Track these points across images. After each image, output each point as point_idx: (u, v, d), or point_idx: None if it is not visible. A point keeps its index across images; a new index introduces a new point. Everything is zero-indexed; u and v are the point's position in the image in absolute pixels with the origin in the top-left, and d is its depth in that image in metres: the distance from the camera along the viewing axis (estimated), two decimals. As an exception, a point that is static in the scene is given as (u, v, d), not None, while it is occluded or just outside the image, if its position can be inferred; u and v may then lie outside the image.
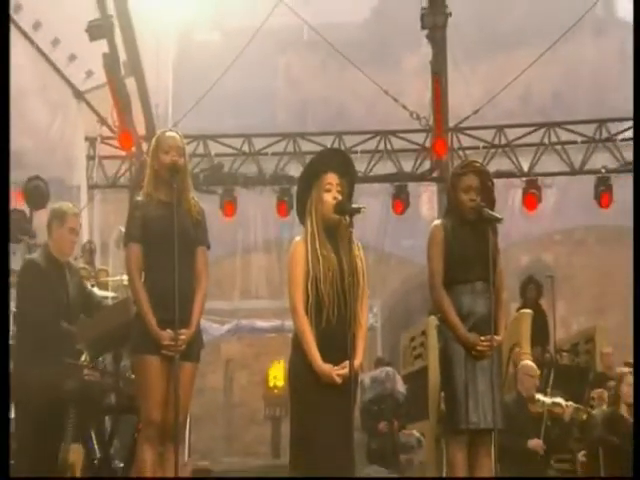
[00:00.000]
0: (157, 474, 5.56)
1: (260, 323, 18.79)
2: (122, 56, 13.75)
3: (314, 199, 5.79)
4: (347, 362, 5.42)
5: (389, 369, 12.28)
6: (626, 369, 9.56)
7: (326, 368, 5.37)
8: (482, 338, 6.09)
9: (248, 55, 17.52)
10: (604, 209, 14.22)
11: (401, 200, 14.36)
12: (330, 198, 5.71)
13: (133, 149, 14.31)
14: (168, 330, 5.52)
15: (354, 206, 5.73)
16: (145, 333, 5.54)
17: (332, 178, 5.80)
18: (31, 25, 13.55)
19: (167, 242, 5.55)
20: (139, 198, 6.00)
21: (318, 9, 21.67)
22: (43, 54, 13.95)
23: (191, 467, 10.43)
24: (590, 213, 14.93)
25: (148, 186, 5.88)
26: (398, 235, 16.53)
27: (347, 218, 5.68)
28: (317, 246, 5.64)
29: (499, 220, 6.39)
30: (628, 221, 19.70)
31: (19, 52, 13.88)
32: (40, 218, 11.80)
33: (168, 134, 5.95)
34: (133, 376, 6.09)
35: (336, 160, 6.19)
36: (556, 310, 19.68)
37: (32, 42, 13.70)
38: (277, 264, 17.00)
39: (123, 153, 14.50)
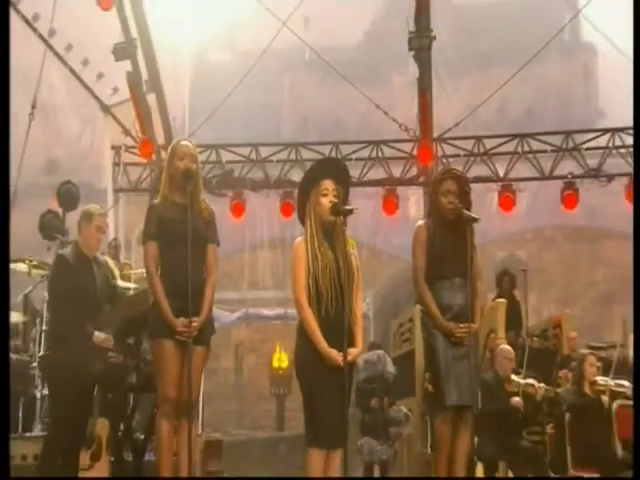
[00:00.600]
0: (172, 445, 5.60)
1: (266, 311, 18.89)
2: (144, 74, 13.78)
3: (312, 203, 5.86)
4: (351, 349, 5.60)
5: (380, 352, 12.25)
6: (587, 351, 9.58)
7: (332, 352, 5.48)
8: (461, 325, 6.12)
9: (256, 73, 17.49)
10: (570, 211, 14.15)
11: (391, 202, 14.36)
12: (326, 202, 5.79)
13: (153, 157, 14.34)
14: (181, 318, 5.55)
15: (347, 208, 5.82)
16: (161, 320, 5.59)
17: (328, 184, 5.87)
18: (63, 48, 13.58)
19: (181, 240, 5.60)
20: (156, 201, 6.05)
21: (318, 33, 21.67)
22: (74, 73, 13.99)
23: (204, 439, 10.37)
24: (557, 214, 14.90)
25: (164, 189, 5.92)
26: (389, 234, 16.53)
27: (342, 218, 5.84)
28: (316, 245, 5.72)
29: (476, 220, 6.40)
30: (591, 221, 19.93)
31: (53, 72, 13.91)
32: (72, 218, 11.83)
33: (183, 143, 5.99)
34: (152, 358, 6.09)
35: (332, 168, 6.26)
36: (528, 299, 19.72)
37: (65, 63, 13.71)
38: (281, 259, 17.01)
39: (144, 160, 14.52)
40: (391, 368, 11.96)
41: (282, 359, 17.82)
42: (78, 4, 12.95)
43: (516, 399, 9.36)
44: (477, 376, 6.62)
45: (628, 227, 20.18)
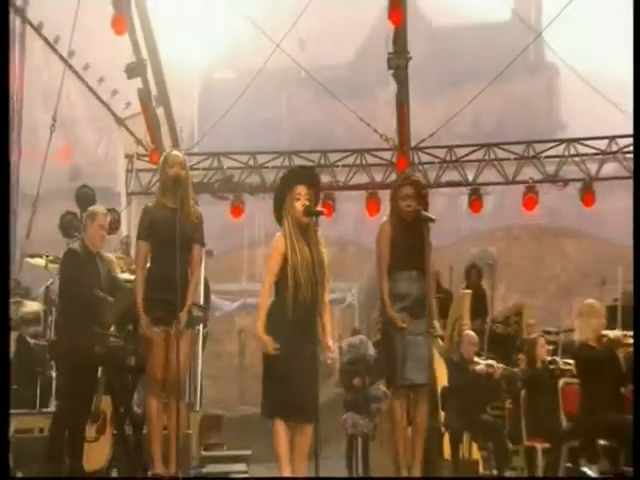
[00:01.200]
0: (162, 420, 5.65)
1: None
2: (153, 90, 13.78)
3: (287, 206, 5.93)
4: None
5: (362, 337, 12.30)
6: (539, 334, 9.64)
7: (266, 339, 5.61)
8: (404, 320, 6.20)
9: (255, 90, 17.49)
10: (530, 212, 14.18)
11: (374, 204, 14.37)
12: (299, 205, 5.84)
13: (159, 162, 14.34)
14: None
15: (318, 210, 5.90)
16: (150, 309, 5.63)
17: (301, 189, 5.94)
18: (81, 67, 13.59)
19: (170, 239, 5.65)
20: (149, 204, 6.08)
21: (313, 53, 21.71)
22: (91, 90, 13.98)
23: (204, 414, 10.41)
24: (520, 215, 14.88)
25: (158, 194, 6.01)
26: (372, 232, 16.44)
27: (314, 219, 5.84)
28: (294, 241, 5.77)
29: (432, 220, 6.48)
30: (553, 221, 19.97)
31: (72, 89, 13.92)
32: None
33: (173, 152, 6.08)
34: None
35: (305, 175, 6.34)
36: (497, 290, 19.74)
37: (83, 81, 13.72)
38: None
39: (154, 167, 14.47)
40: (372, 351, 12.00)
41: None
42: (95, 28, 12.93)
43: (480, 367, 9.49)
44: (431, 357, 6.51)
45: (585, 226, 20.30)
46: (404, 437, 6.28)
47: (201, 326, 9.97)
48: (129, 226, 13.66)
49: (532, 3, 24.68)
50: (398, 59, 13.20)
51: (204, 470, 8.80)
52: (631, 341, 7.86)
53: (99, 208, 7.25)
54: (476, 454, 9.87)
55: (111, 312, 6.35)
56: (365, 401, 11.57)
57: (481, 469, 9.81)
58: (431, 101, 19.11)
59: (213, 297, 14.57)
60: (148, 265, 5.92)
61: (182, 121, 15.46)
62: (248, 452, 10.31)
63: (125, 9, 12.74)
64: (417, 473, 6.24)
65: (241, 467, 9.84)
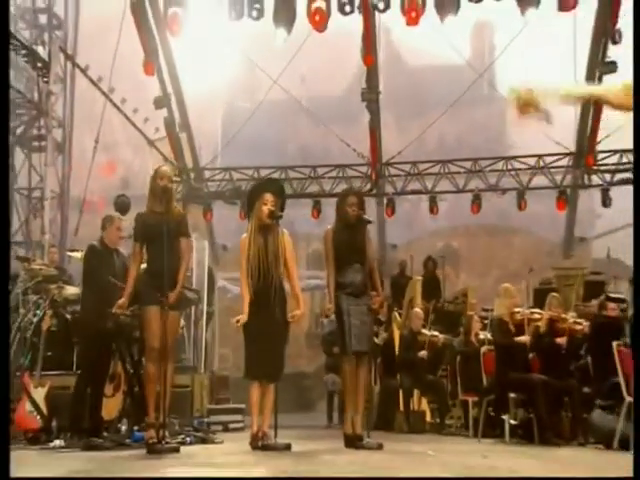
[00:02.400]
0: (158, 381, 5.64)
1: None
2: (177, 118, 13.84)
3: (256, 208, 6.03)
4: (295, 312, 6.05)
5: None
6: (474, 312, 9.67)
7: (244, 316, 5.80)
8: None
9: (263, 116, 17.58)
10: (475, 214, 14.13)
11: (352, 208, 14.39)
12: (266, 209, 5.93)
13: (184, 177, 14.38)
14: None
15: (279, 214, 5.97)
16: (146, 292, 5.67)
17: (269, 197, 6.05)
18: (120, 100, 13.68)
19: (160, 237, 5.65)
20: (142, 212, 6.09)
21: (311, 85, 21.73)
22: (128, 118, 14.07)
23: (208, 375, 10.33)
24: (475, 216, 14.78)
25: (148, 201, 5.97)
26: None
27: (276, 221, 6.01)
28: (253, 238, 5.98)
29: (370, 222, 6.48)
30: (502, 222, 19.94)
31: (114, 119, 14.06)
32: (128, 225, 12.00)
33: (163, 167, 6.05)
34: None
35: (272, 185, 6.49)
36: (459, 276, 19.78)
37: (121, 111, 13.82)
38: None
39: (177, 179, 14.52)
40: (346, 325, 12.07)
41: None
42: (130, 69, 13.02)
43: (422, 352, 9.52)
44: (371, 331, 6.53)
45: (526, 225, 20.23)
46: (351, 392, 6.25)
47: (205, 305, 10.00)
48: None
49: (485, 47, 24.75)
50: (370, 94, 13.24)
51: (205, 420, 8.73)
52: (537, 317, 7.92)
53: (116, 215, 7.29)
54: (424, 406, 9.90)
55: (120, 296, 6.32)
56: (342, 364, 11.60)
57: (428, 418, 9.86)
58: (404, 125, 19.09)
59: (225, 282, 14.59)
60: (146, 259, 5.92)
61: (208, 140, 15.52)
62: (243, 406, 10.33)
63: (154, 56, 12.84)
64: (359, 419, 6.20)
65: (237, 417, 9.82)
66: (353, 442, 6.01)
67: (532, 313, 7.94)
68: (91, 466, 4.36)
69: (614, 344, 6.98)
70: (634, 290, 6.78)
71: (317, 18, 12.30)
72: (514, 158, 14.36)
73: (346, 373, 6.25)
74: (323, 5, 12.28)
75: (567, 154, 13.99)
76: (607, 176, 13.81)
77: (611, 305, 8.27)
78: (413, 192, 14.36)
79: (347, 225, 6.33)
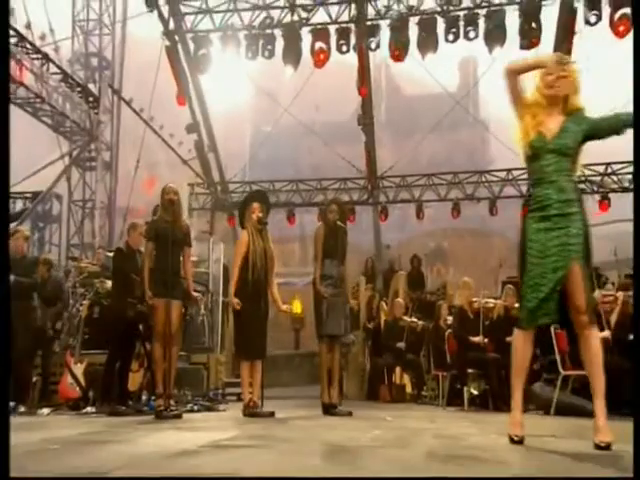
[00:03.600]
0: (162, 358, 5.68)
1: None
2: (206, 141, 13.97)
3: (247, 216, 6.10)
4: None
5: (338, 303, 12.37)
6: (442, 302, 9.63)
7: (233, 300, 5.85)
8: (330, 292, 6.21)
9: (280, 137, 17.68)
10: (456, 219, 14.09)
11: (352, 215, 14.38)
12: (255, 216, 6.00)
13: (212, 189, 14.48)
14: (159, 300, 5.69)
15: (265, 221, 6.04)
16: (154, 287, 5.73)
17: (257, 205, 6.12)
18: (158, 127, 13.84)
19: (167, 242, 5.73)
20: (155, 218, 6.17)
21: (324, 112, 21.74)
22: (165, 142, 14.20)
23: (225, 354, 10.32)
24: (457, 221, 14.67)
25: (159, 212, 6.04)
26: (351, 234, 16.40)
27: (264, 226, 6.08)
28: (253, 238, 5.98)
29: (344, 228, 6.53)
30: (483, 225, 19.75)
31: (153, 143, 14.21)
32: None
33: (170, 184, 6.06)
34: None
35: (259, 196, 6.54)
36: (447, 271, 19.63)
37: (159, 136, 13.95)
38: (284, 248, 17.02)
39: (205, 191, 14.66)
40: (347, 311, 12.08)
41: (297, 307, 17.76)
42: (166, 101, 13.19)
43: (401, 343, 9.52)
44: (346, 316, 6.55)
45: (502, 229, 20.01)
46: (327, 369, 6.30)
47: (221, 296, 10.01)
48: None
49: (470, 78, 24.59)
50: (364, 119, 13.30)
51: (220, 391, 8.80)
52: (491, 305, 7.93)
53: (139, 221, 7.35)
54: (405, 380, 9.92)
55: (140, 289, 6.40)
56: (341, 345, 11.62)
57: (408, 390, 9.89)
58: (402, 144, 18.98)
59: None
60: (155, 258, 5.97)
61: (235, 159, 15.58)
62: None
63: (185, 90, 12.99)
64: (334, 390, 6.26)
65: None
66: (328, 409, 6.09)
67: (487, 302, 7.95)
68: (99, 429, 4.45)
69: (552, 328, 7.00)
70: (634, 289, 6.69)
71: (321, 57, 12.40)
72: (488, 172, 14.35)
73: (322, 352, 6.28)
74: (324, 46, 12.38)
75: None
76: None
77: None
78: (402, 201, 14.38)
79: (329, 228, 6.37)
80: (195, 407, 6.67)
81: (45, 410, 6.74)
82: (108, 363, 6.70)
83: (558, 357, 6.87)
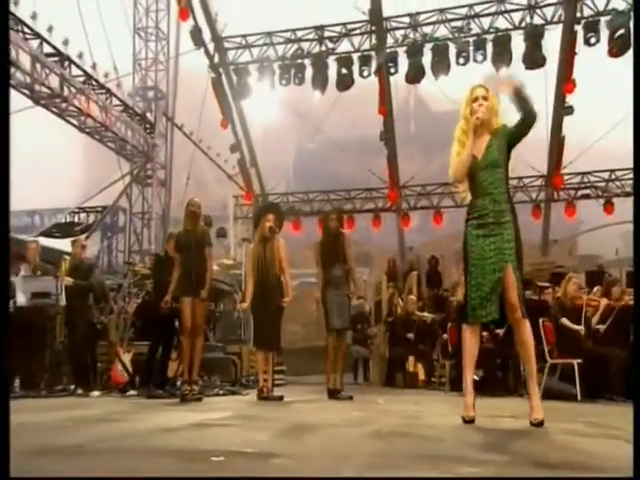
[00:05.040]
0: (189, 352, 5.78)
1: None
2: (247, 158, 14.21)
3: (260, 225, 6.18)
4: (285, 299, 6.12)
5: (362, 300, 12.35)
6: (453, 298, 9.52)
7: (243, 304, 5.93)
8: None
9: (316, 153, 17.74)
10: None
11: (377, 221, 14.42)
12: (267, 225, 6.10)
13: (253, 201, 14.68)
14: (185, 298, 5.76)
15: (276, 230, 6.14)
16: (180, 287, 5.83)
17: (270, 216, 6.20)
18: (206, 147, 14.16)
19: (189, 247, 5.88)
20: (178, 231, 6.27)
21: (361, 127, 21.65)
22: (213, 160, 14.42)
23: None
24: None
25: (183, 222, 6.13)
26: (378, 237, 16.33)
27: (273, 234, 6.13)
28: (258, 249, 6.10)
29: (344, 233, 6.54)
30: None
31: (206, 164, 14.53)
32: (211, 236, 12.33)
33: (194, 198, 6.14)
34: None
35: (272, 208, 6.64)
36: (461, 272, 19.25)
37: (207, 155, 14.27)
38: (295, 252, 16.85)
39: (249, 202, 14.84)
40: (367, 308, 12.13)
41: None
42: (213, 125, 13.47)
43: (410, 334, 9.49)
44: (348, 312, 6.55)
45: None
46: (333, 358, 6.33)
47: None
48: (235, 236, 13.96)
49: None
50: (386, 135, 13.35)
51: (252, 378, 8.86)
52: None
53: (175, 232, 7.48)
54: (417, 368, 9.87)
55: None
56: (364, 338, 11.61)
57: (421, 377, 9.84)
58: (428, 157, 18.80)
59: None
60: (180, 262, 5.97)
61: (276, 173, 15.78)
62: (284, 367, 10.45)
63: (229, 114, 13.30)
64: (338, 377, 6.32)
65: (279, 376, 9.92)
66: (333, 394, 6.15)
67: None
68: (123, 409, 4.65)
69: (540, 320, 6.92)
70: (634, 290, 6.58)
71: (345, 82, 12.51)
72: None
73: (329, 344, 6.30)
74: (348, 72, 12.50)
75: (540, 176, 13.73)
76: (572, 192, 13.53)
77: (547, 290, 8.15)
78: (422, 208, 14.31)
79: (330, 235, 6.41)
80: (220, 392, 6.81)
81: (96, 392, 6.98)
82: (149, 353, 6.95)
83: (546, 347, 6.79)
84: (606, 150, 13.60)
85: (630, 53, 10.88)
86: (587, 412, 4.65)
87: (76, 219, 13.89)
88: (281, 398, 5.83)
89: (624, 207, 13.13)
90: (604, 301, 7.00)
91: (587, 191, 13.47)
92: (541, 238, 14.47)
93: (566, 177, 13.55)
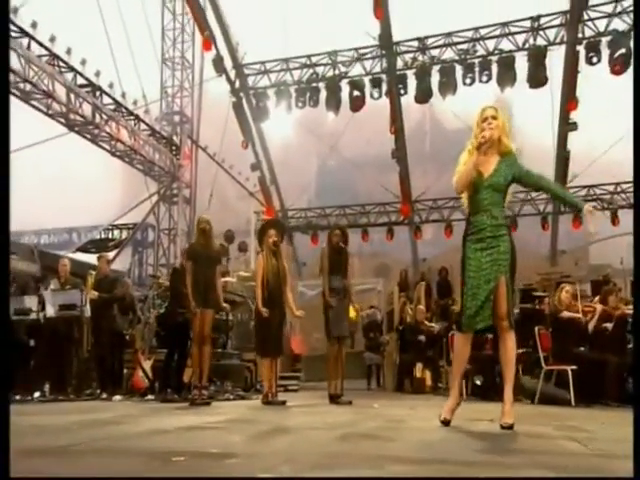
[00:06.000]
0: (199, 359, 5.87)
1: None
2: (267, 176, 14.34)
3: (265, 241, 6.26)
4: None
5: (375, 309, 12.43)
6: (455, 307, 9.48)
7: (263, 309, 5.90)
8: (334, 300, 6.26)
9: (337, 171, 17.78)
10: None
11: (390, 233, 14.41)
12: (271, 240, 6.17)
13: (273, 216, 14.76)
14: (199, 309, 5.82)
15: (279, 244, 6.21)
16: (195, 299, 5.86)
17: (272, 232, 6.25)
18: (229, 166, 14.38)
19: (202, 261, 5.92)
20: (192, 242, 6.41)
21: (375, 146, 21.65)
22: (234, 179, 14.66)
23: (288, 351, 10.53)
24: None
25: (195, 237, 6.26)
26: (395, 249, 16.21)
27: (278, 248, 6.19)
28: (267, 259, 6.11)
29: (346, 249, 6.57)
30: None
31: (228, 182, 14.73)
32: (233, 248, 12.51)
33: (203, 216, 6.25)
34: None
35: (275, 224, 6.69)
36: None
37: (229, 174, 14.49)
38: (314, 264, 16.82)
39: (269, 217, 14.88)
40: (379, 317, 12.13)
41: (352, 312, 17.50)
42: (234, 145, 13.70)
43: (421, 336, 9.47)
44: (348, 321, 6.57)
45: (524, 243, 19.15)
46: (334, 365, 6.37)
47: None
48: (255, 249, 14.02)
49: (504, 110, 23.77)
50: (398, 153, 13.37)
51: None
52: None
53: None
54: (425, 374, 9.81)
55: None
56: (376, 345, 11.64)
57: (428, 382, 9.78)
58: (439, 173, 18.74)
59: (304, 288, 14.82)
60: (192, 274, 5.99)
61: (295, 189, 15.94)
62: (300, 374, 10.49)
63: (249, 136, 13.50)
64: (339, 383, 6.33)
65: (294, 382, 10.07)
66: (333, 399, 6.19)
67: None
68: (133, 412, 4.76)
69: (536, 329, 6.87)
70: (634, 290, 6.51)
71: (357, 103, 12.62)
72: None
73: (330, 351, 6.34)
74: (360, 94, 12.61)
75: (547, 189, 13.59)
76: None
77: (546, 300, 8.06)
78: (434, 221, 14.27)
79: (333, 248, 6.44)
80: (231, 396, 6.90)
81: (118, 397, 7.13)
82: (165, 359, 7.07)
83: (541, 354, 6.73)
84: (612, 163, 13.42)
85: (631, 70, 10.81)
86: (568, 416, 4.61)
87: (110, 235, 14.22)
88: (284, 403, 5.88)
89: (628, 219, 12.94)
90: (599, 307, 6.89)
91: (593, 203, 13.28)
92: (549, 249, 14.30)
93: (573, 190, 13.36)
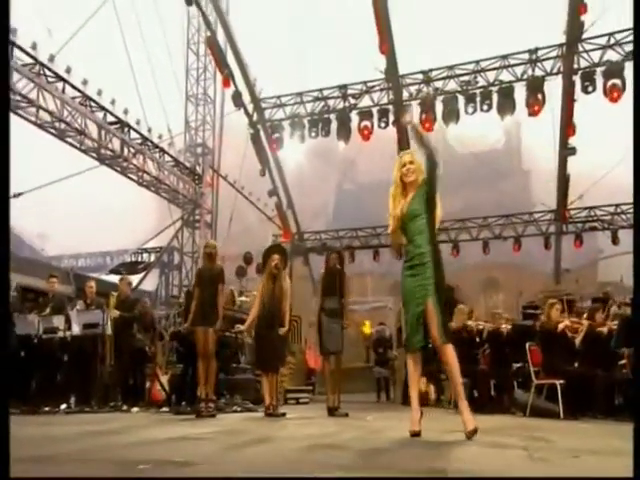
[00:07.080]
0: (204, 373, 5.97)
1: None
2: (284, 201, 14.53)
3: (268, 264, 6.34)
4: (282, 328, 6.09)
5: (384, 326, 12.40)
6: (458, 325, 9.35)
7: (241, 327, 6.08)
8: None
9: (349, 195, 17.85)
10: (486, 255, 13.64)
11: (400, 254, 14.33)
12: (273, 264, 6.27)
13: (290, 238, 14.95)
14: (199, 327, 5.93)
15: (280, 267, 6.28)
16: (195, 318, 6.01)
17: (275, 256, 6.32)
18: (247, 193, 14.60)
19: (205, 282, 6.05)
20: (200, 267, 6.54)
21: (387, 171, 21.69)
22: (253, 204, 14.83)
23: (297, 367, 10.59)
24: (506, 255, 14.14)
25: (202, 261, 6.41)
26: (397, 266, 16.02)
27: (279, 271, 6.25)
28: (265, 282, 6.20)
29: (343, 271, 6.63)
30: (520, 259, 18.64)
31: (248, 208, 14.92)
32: (251, 269, 12.66)
33: (210, 241, 6.40)
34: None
35: (277, 248, 6.74)
36: (498, 296, 18.68)
37: (249, 200, 14.72)
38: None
39: (287, 240, 15.00)
40: (388, 333, 12.09)
41: (367, 328, 17.56)
42: (253, 173, 13.93)
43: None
44: (341, 336, 6.52)
45: (534, 262, 18.84)
46: (330, 379, 6.37)
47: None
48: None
49: (513, 135, 23.84)
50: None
51: (280, 396, 8.88)
52: (481, 327, 7.77)
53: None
54: (428, 388, 9.70)
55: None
56: (386, 360, 11.62)
57: (432, 396, 9.68)
58: (447, 196, 18.69)
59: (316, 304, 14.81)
60: (197, 295, 6.12)
61: (311, 213, 16.07)
62: (310, 387, 10.47)
63: (266, 164, 13.74)
64: (335, 396, 6.32)
65: (306, 394, 10.05)
66: (331, 411, 6.21)
67: (477, 324, 7.83)
68: (140, 423, 4.88)
69: (527, 344, 6.82)
70: (634, 292, 6.46)
71: (365, 132, 12.78)
72: (513, 215, 13.92)
73: (325, 366, 6.41)
74: (368, 124, 12.77)
75: (550, 211, 13.51)
76: (579, 225, 13.26)
77: (539, 316, 7.99)
78: (441, 242, 14.16)
79: (330, 270, 6.50)
80: (238, 409, 6.96)
81: (136, 409, 7.27)
82: (181, 374, 7.23)
83: (532, 369, 6.68)
84: (612, 185, 13.28)
85: (621, 101, 10.78)
86: (547, 428, 4.59)
87: (139, 258, 14.54)
88: (283, 415, 5.93)
89: (628, 238, 12.77)
90: (585, 323, 6.83)
91: (595, 224, 13.18)
92: (553, 268, 14.13)
93: (574, 211, 13.30)
